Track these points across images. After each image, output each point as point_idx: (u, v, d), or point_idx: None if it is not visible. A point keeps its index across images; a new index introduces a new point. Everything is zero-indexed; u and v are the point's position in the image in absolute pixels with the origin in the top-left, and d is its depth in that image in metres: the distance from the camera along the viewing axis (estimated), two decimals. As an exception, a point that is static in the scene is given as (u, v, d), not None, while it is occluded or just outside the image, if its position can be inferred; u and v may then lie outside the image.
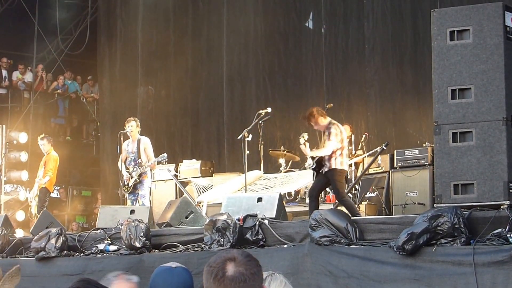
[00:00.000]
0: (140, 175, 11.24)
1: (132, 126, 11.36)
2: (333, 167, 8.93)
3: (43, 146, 12.69)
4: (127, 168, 11.36)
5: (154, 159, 11.20)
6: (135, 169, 11.25)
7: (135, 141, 11.42)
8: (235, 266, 2.32)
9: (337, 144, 8.92)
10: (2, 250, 10.07)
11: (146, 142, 11.42)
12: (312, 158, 9.08)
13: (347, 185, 10.94)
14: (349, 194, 10.59)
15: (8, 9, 17.11)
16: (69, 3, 17.48)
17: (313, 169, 9.10)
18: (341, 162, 9.00)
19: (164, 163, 11.50)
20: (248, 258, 2.38)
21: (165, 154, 11.24)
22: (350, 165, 11.08)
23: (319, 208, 8.89)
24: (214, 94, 15.30)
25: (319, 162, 9.04)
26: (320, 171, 9.05)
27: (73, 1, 17.66)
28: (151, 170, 11.47)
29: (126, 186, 11.19)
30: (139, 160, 11.28)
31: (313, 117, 9.03)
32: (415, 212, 8.67)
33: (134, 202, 11.14)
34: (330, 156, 8.94)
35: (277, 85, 14.60)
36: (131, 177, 11.21)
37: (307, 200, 11.05)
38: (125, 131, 11.42)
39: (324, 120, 9.05)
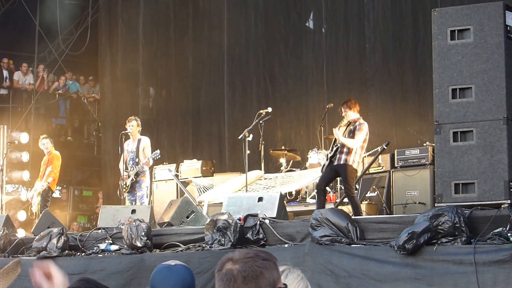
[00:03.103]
0: (138, 175, 11.25)
1: (133, 126, 11.38)
2: (349, 162, 9.00)
3: (46, 145, 12.68)
4: (126, 168, 11.39)
5: (149, 157, 11.24)
6: (132, 168, 11.28)
7: (135, 140, 11.44)
8: (230, 265, 2.32)
9: (362, 140, 9.07)
10: (4, 250, 10.09)
11: (145, 142, 11.43)
12: (334, 146, 9.17)
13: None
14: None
15: (9, 10, 17.12)
16: (70, 3, 17.47)
17: (330, 157, 9.15)
18: (357, 162, 9.09)
19: (155, 158, 11.47)
20: (247, 259, 2.32)
21: (158, 151, 11.27)
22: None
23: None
24: (215, 94, 15.30)
25: (334, 154, 9.12)
26: (333, 163, 9.11)
27: (74, 1, 17.65)
28: (149, 169, 11.49)
29: (125, 186, 11.22)
30: (137, 160, 11.30)
31: (353, 104, 9.21)
32: (416, 212, 8.66)
33: (133, 203, 11.14)
34: (349, 151, 9.01)
35: (277, 85, 14.60)
36: (129, 176, 11.24)
37: (308, 200, 11.08)
38: (126, 131, 11.44)
39: (357, 113, 9.21)
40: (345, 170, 9.00)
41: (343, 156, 9.05)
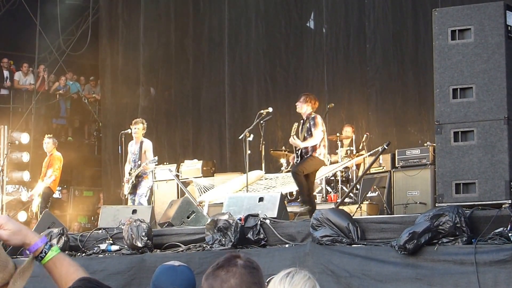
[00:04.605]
0: (139, 176, 11.29)
1: (139, 128, 11.42)
2: (315, 155, 9.24)
3: (47, 145, 12.69)
4: (130, 169, 11.44)
5: (146, 161, 11.28)
6: (133, 170, 11.32)
7: (138, 143, 11.47)
8: (241, 260, 2.53)
9: (322, 133, 9.25)
10: (4, 250, 10.06)
11: (147, 145, 11.47)
12: (297, 150, 9.32)
13: (348, 185, 10.97)
14: (351, 193, 10.62)
15: (9, 10, 17.13)
16: (71, 3, 17.48)
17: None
18: (324, 154, 9.35)
19: (149, 164, 11.47)
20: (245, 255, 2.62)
21: (156, 158, 11.40)
22: (344, 165, 11.10)
23: (319, 208, 8.94)
24: (216, 94, 15.31)
25: (301, 156, 9.31)
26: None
27: (74, 1, 17.66)
28: (152, 171, 11.54)
29: (129, 189, 11.27)
30: (139, 162, 11.35)
31: (310, 98, 9.36)
32: (417, 212, 8.66)
33: (135, 203, 11.18)
34: (314, 148, 9.23)
35: (278, 85, 14.61)
36: (131, 178, 11.29)
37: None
38: (126, 131, 11.45)
39: (310, 109, 9.35)
40: (307, 157, 9.20)
41: (309, 153, 9.30)
